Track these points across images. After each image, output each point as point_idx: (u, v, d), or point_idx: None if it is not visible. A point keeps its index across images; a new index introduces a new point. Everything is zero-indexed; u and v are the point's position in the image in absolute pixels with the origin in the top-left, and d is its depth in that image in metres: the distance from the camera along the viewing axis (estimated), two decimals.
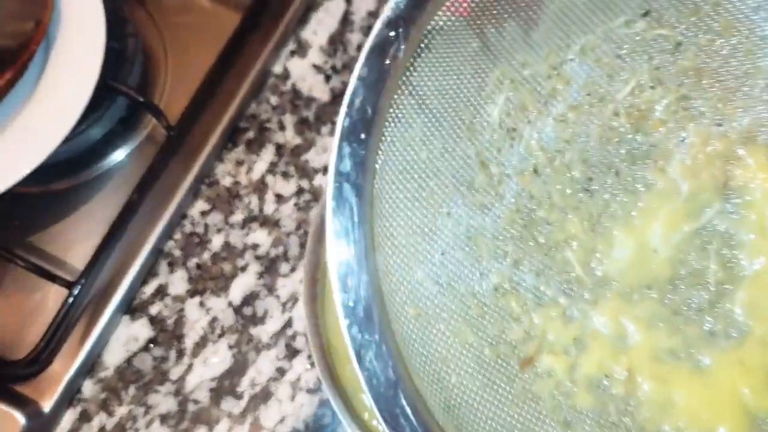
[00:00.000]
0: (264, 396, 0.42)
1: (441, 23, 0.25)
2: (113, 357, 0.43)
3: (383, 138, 0.24)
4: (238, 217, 0.45)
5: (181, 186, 0.45)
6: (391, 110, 0.24)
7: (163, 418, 0.42)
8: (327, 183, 0.23)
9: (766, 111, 0.28)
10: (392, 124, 0.25)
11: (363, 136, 0.24)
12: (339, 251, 0.23)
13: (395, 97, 0.24)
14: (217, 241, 0.45)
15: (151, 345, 0.43)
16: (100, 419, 0.42)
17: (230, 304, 0.43)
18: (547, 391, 0.26)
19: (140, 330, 0.43)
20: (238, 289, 0.44)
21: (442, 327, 0.26)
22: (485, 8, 0.26)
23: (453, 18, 0.25)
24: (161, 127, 0.44)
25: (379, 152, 0.24)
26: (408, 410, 0.23)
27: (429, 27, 0.24)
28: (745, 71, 0.28)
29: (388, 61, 0.24)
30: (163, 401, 0.42)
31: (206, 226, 0.45)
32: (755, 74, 0.28)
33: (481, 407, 0.25)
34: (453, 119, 0.26)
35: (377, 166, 0.24)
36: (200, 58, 0.47)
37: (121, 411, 0.42)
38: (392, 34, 0.23)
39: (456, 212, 0.26)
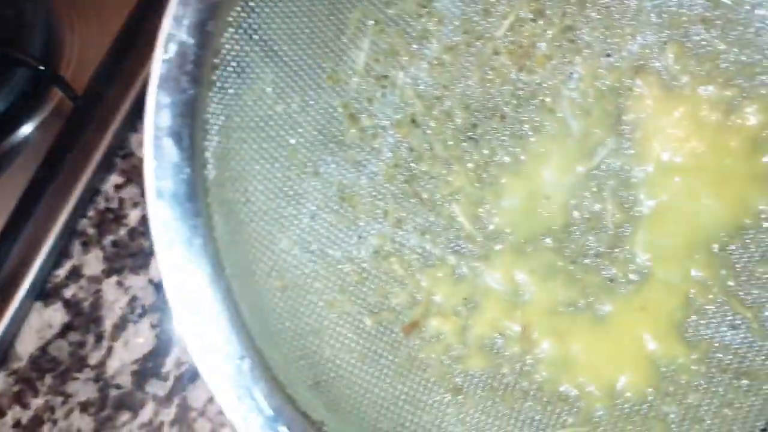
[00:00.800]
0: (191, 375, 0.39)
1: None
2: (26, 346, 0.40)
3: (224, 90, 0.22)
4: None
5: (92, 160, 0.42)
6: (230, 59, 0.22)
7: (84, 407, 0.39)
8: (144, 142, 0.21)
9: (655, 35, 0.25)
10: (234, 75, 0.22)
11: (185, 84, 0.21)
12: (166, 221, 0.21)
13: (233, 43, 0.22)
14: (134, 216, 0.42)
15: (67, 330, 0.40)
16: (13, 414, 0.39)
17: (151, 281, 0.41)
18: (435, 357, 0.24)
19: (54, 315, 0.40)
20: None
21: (314, 298, 0.24)
22: None
23: None
24: (66, 98, 0.41)
25: (220, 106, 0.22)
26: (256, 390, 0.20)
27: None
28: None
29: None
30: (83, 389, 0.39)
31: (121, 200, 0.42)
32: None
33: (360, 380, 0.23)
34: (311, 68, 0.24)
35: (219, 122, 0.22)
36: (110, 25, 0.44)
37: (37, 402, 0.39)
38: None
39: (325, 171, 0.24)
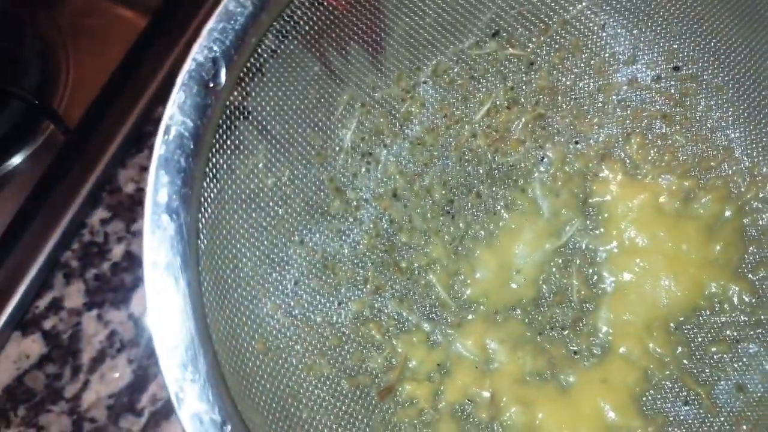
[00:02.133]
0: (166, 412, 0.40)
1: (273, 46, 0.24)
2: (2, 376, 0.40)
3: (219, 166, 0.23)
4: (140, 225, 0.43)
5: (80, 193, 0.43)
6: (226, 137, 0.23)
7: None
8: (144, 215, 0.23)
9: (620, 126, 0.27)
10: (229, 152, 0.23)
11: (183, 163, 0.22)
12: (157, 286, 0.23)
13: (228, 123, 0.23)
14: (117, 251, 0.42)
15: (44, 362, 0.40)
16: None
17: (131, 316, 0.41)
18: (407, 421, 0.25)
19: (32, 346, 0.41)
20: (139, 301, 0.41)
21: (294, 361, 0.24)
22: (322, 31, 0.24)
23: (286, 41, 0.23)
24: (59, 131, 0.42)
25: (213, 181, 0.23)
26: None
27: (258, 50, 0.23)
28: (597, 87, 0.28)
29: (210, 85, 0.22)
30: (56, 421, 0.39)
31: (106, 234, 0.43)
32: (608, 90, 0.28)
33: None
34: (301, 145, 0.25)
35: (213, 195, 0.23)
36: (104, 61, 0.45)
37: None
38: (209, 56, 0.22)
39: (310, 239, 0.25)
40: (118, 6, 0.48)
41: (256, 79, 0.24)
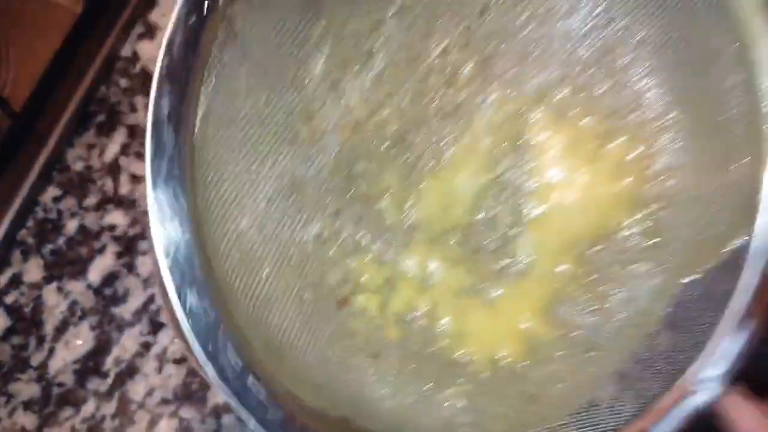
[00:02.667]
0: (130, 371, 0.42)
1: None
2: None
3: (207, 85, 0.25)
4: (92, 200, 0.45)
5: (30, 173, 0.44)
6: (215, 58, 0.25)
7: (27, 405, 0.42)
8: (147, 126, 0.24)
9: (558, 72, 0.30)
10: (215, 72, 0.25)
11: (183, 78, 0.24)
12: (158, 196, 0.25)
13: (218, 44, 0.25)
14: (71, 226, 0.45)
15: (9, 334, 0.43)
16: None
17: (89, 286, 0.44)
18: (360, 327, 0.29)
19: None
20: (97, 271, 0.44)
21: (266, 272, 0.27)
22: None
23: None
24: (5, 115, 0.44)
25: (202, 98, 0.25)
26: (229, 346, 0.24)
27: None
28: (542, 34, 0.30)
29: (207, 3, 0.24)
30: (26, 388, 0.42)
31: (59, 211, 0.45)
32: (548, 39, 0.30)
33: (300, 344, 0.27)
34: (278, 70, 0.27)
35: (200, 112, 0.25)
36: (44, 46, 0.46)
37: None
38: None
39: (281, 162, 0.28)
40: None
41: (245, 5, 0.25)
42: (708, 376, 0.23)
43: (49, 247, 0.44)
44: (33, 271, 0.44)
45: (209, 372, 0.24)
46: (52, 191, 0.45)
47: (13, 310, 0.43)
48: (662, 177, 0.29)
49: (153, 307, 0.43)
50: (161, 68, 0.24)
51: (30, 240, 0.44)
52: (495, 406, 0.28)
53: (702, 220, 0.27)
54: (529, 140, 0.30)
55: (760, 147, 0.24)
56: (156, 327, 0.43)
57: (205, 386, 0.42)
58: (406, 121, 0.30)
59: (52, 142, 0.45)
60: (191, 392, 0.42)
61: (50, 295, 0.43)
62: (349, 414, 0.26)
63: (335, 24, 0.28)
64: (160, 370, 0.43)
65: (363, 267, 0.29)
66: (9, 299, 0.43)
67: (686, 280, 0.27)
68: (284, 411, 0.24)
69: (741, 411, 0.24)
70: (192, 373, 0.43)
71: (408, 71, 0.30)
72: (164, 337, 0.43)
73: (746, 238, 0.24)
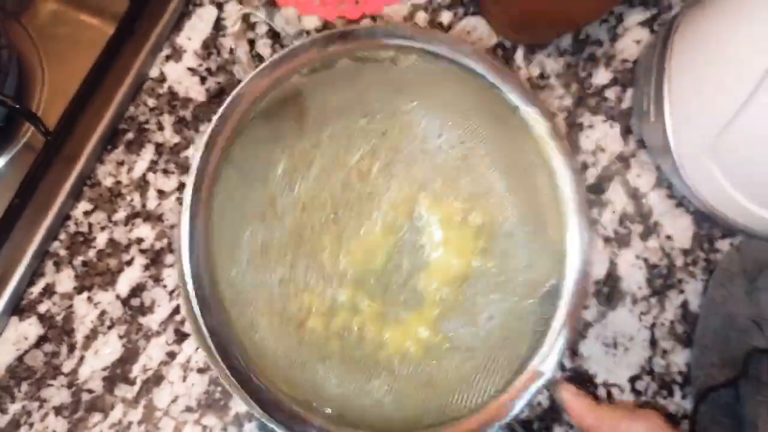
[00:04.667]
0: (156, 379, 0.44)
1: (246, 122, 0.39)
2: (4, 357, 0.44)
3: (216, 185, 0.38)
4: (121, 214, 0.47)
5: (63, 189, 0.46)
6: (220, 171, 0.38)
7: (58, 410, 0.44)
8: (181, 214, 0.35)
9: (431, 171, 0.45)
10: (221, 180, 0.38)
11: (203, 186, 0.37)
12: (191, 255, 0.36)
13: (223, 163, 0.38)
14: (101, 239, 0.47)
15: (42, 342, 0.45)
16: None
17: (118, 297, 0.46)
18: (313, 340, 0.41)
19: (29, 329, 0.45)
20: (125, 282, 0.46)
21: (251, 306, 0.39)
22: (270, 113, 0.40)
23: (253, 118, 0.39)
24: (39, 133, 0.46)
25: (214, 194, 0.37)
26: (237, 351, 0.36)
27: (241, 125, 0.38)
28: (419, 149, 0.45)
29: (217, 145, 0.38)
30: (57, 394, 0.44)
31: (90, 225, 0.47)
32: (425, 151, 0.45)
33: (277, 352, 0.40)
34: (255, 174, 0.40)
35: (215, 204, 0.37)
36: (76, 66, 0.49)
37: (14, 408, 0.43)
38: (217, 129, 0.38)
39: (255, 231, 0.40)
40: (84, 14, 0.52)
41: (236, 140, 0.38)
42: (547, 364, 0.40)
43: (80, 258, 0.46)
44: (65, 281, 0.46)
45: (223, 369, 0.35)
46: (83, 206, 0.47)
47: (45, 319, 0.45)
48: (505, 237, 0.44)
49: (178, 317, 0.45)
50: (194, 181, 0.36)
51: (62, 252, 0.46)
52: (406, 389, 0.41)
53: (532, 264, 0.43)
54: (418, 214, 0.45)
55: (564, 219, 0.42)
56: (181, 337, 0.45)
57: (227, 395, 0.44)
58: (336, 203, 0.44)
59: (83, 159, 0.47)
60: (214, 401, 0.44)
61: (81, 304, 0.45)
62: (311, 397, 0.38)
63: (289, 146, 0.42)
64: (184, 378, 0.44)
65: (312, 300, 0.42)
66: (42, 308, 0.45)
67: (526, 302, 0.42)
68: (269, 393, 0.36)
69: (573, 399, 0.40)
70: (215, 381, 0.44)
71: (337, 171, 0.44)
72: (188, 347, 0.45)
73: (559, 277, 0.42)
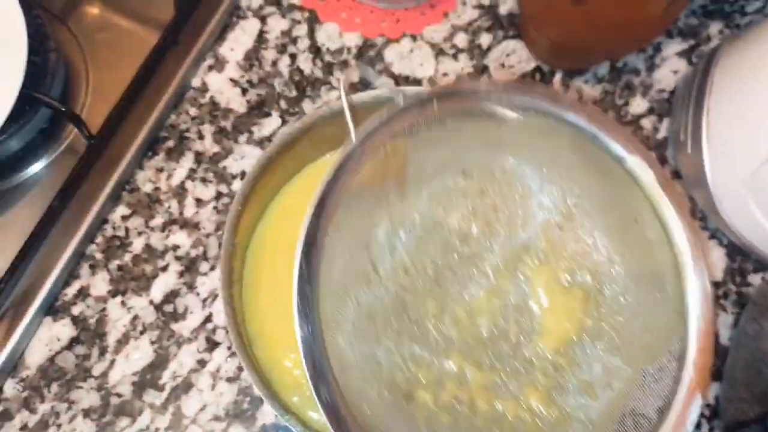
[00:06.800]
0: (185, 387, 0.44)
1: (352, 192, 0.36)
2: (36, 357, 0.44)
3: (318, 253, 0.35)
4: (158, 220, 0.48)
5: (102, 192, 0.47)
6: (325, 236, 0.35)
7: (86, 413, 0.44)
8: (293, 286, 0.33)
9: (535, 231, 0.41)
10: (326, 245, 0.35)
11: (311, 256, 0.34)
12: (302, 325, 0.33)
13: (328, 228, 0.35)
14: (138, 244, 0.47)
15: (74, 344, 0.45)
16: (21, 417, 0.43)
17: (151, 302, 0.46)
18: (422, 414, 0.37)
19: (62, 330, 0.45)
20: (159, 288, 0.46)
21: (356, 373, 0.36)
22: (372, 175, 0.37)
23: (358, 188, 0.36)
24: (82, 137, 0.47)
25: (320, 261, 0.35)
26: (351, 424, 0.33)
27: (345, 195, 0.36)
28: (524, 207, 0.42)
29: (323, 217, 0.35)
30: (86, 396, 0.44)
31: (127, 229, 0.47)
32: (526, 208, 0.42)
33: (387, 425, 0.35)
34: (357, 237, 0.38)
35: (320, 270, 0.35)
36: (120, 73, 0.50)
37: (43, 408, 0.44)
38: (325, 193, 0.35)
39: (359, 297, 0.38)
40: (130, 20, 0.53)
41: (339, 210, 0.36)
42: None
43: (116, 262, 0.47)
44: (99, 284, 0.46)
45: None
46: (121, 210, 0.48)
47: (78, 321, 0.45)
48: (617, 296, 0.40)
49: (210, 326, 0.46)
50: (302, 248, 0.34)
51: (98, 255, 0.47)
52: None
53: (649, 325, 0.39)
54: (523, 276, 0.41)
55: (681, 273, 0.38)
56: (212, 345, 0.45)
57: (255, 405, 0.44)
58: (438, 266, 0.40)
59: (123, 164, 0.48)
60: (242, 411, 0.44)
61: (114, 308, 0.46)
62: None
63: (389, 207, 0.39)
64: (213, 387, 0.44)
65: (418, 369, 0.38)
66: (76, 310, 0.46)
67: (647, 368, 0.38)
68: None
69: None
70: (243, 391, 0.45)
71: (437, 233, 0.41)
72: (219, 356, 0.45)
73: (682, 338, 0.37)
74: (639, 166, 0.39)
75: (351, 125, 0.37)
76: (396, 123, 0.37)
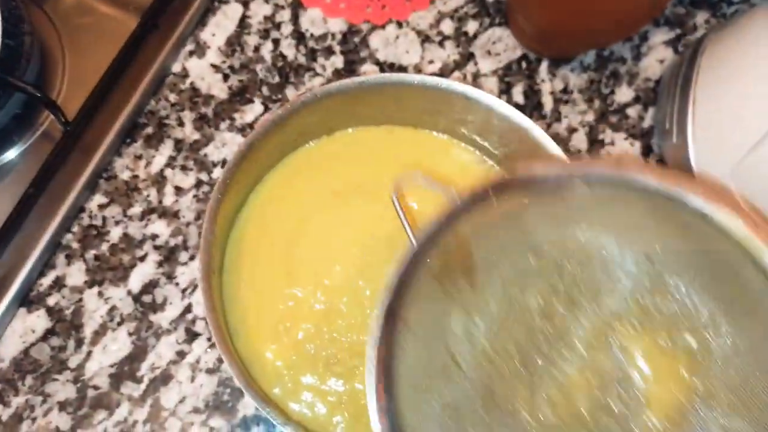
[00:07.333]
0: (164, 378, 0.43)
1: (420, 292, 0.34)
2: (9, 349, 0.43)
3: (396, 360, 0.34)
4: (136, 209, 0.46)
5: (79, 180, 0.46)
6: (399, 339, 0.34)
7: (62, 406, 0.43)
8: (369, 401, 0.31)
9: (618, 296, 0.38)
10: (400, 345, 0.34)
11: (387, 362, 0.33)
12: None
13: (399, 328, 0.34)
14: (115, 233, 0.46)
15: (49, 335, 0.44)
16: None
17: (129, 293, 0.45)
18: None
19: (37, 321, 0.44)
20: (137, 279, 0.45)
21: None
22: (444, 272, 0.36)
23: (426, 279, 0.34)
24: (58, 123, 0.45)
25: (396, 366, 0.33)
26: None
27: (414, 289, 0.34)
28: (607, 273, 0.38)
29: (395, 314, 0.33)
30: (62, 389, 0.43)
31: (104, 218, 0.46)
32: (615, 275, 0.38)
33: None
34: (430, 334, 0.36)
35: (398, 370, 0.33)
36: (98, 58, 0.48)
37: (17, 401, 0.43)
38: (393, 301, 0.33)
39: (441, 393, 0.36)
40: (108, 4, 0.51)
41: (413, 302, 0.34)
42: None
43: (93, 252, 0.45)
44: (76, 275, 0.45)
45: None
46: (98, 198, 0.46)
47: (54, 312, 0.44)
48: (725, 355, 0.36)
49: (189, 316, 0.45)
50: (375, 356, 0.32)
51: (74, 245, 0.46)
52: None
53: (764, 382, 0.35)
54: (619, 346, 0.38)
55: None
56: (192, 336, 0.44)
57: (235, 397, 0.43)
58: (524, 350, 0.38)
59: (101, 151, 0.47)
60: (222, 402, 0.43)
61: (91, 299, 0.45)
62: None
63: (460, 298, 0.37)
64: (193, 378, 0.44)
65: None
66: (51, 301, 0.44)
67: None
68: None
69: None
70: (223, 383, 0.44)
71: (518, 316, 0.38)
72: (198, 347, 0.44)
73: None
74: (725, 218, 0.34)
75: (409, 231, 0.37)
76: (455, 221, 0.35)
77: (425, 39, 0.51)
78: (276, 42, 0.50)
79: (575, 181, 0.36)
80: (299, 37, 0.51)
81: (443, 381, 0.36)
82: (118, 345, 0.44)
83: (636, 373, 0.38)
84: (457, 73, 0.50)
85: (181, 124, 0.48)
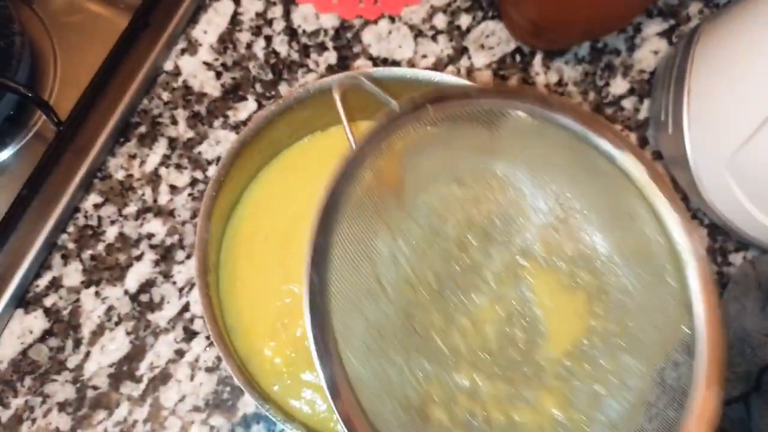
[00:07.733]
0: (163, 377, 0.43)
1: (353, 202, 0.35)
2: (7, 350, 0.43)
3: (329, 272, 0.34)
4: (132, 208, 0.46)
5: (73, 180, 0.46)
6: (331, 252, 0.34)
7: (62, 406, 0.43)
8: (304, 301, 0.32)
9: (532, 233, 0.41)
10: (332, 265, 0.34)
11: (323, 271, 0.33)
12: (317, 346, 0.32)
13: (332, 250, 0.34)
14: (111, 233, 0.46)
15: (47, 336, 0.44)
16: None
17: (126, 292, 0.45)
18: (436, 428, 0.36)
19: (35, 322, 0.44)
20: (134, 278, 0.45)
21: (370, 392, 0.35)
22: (375, 187, 0.36)
23: (360, 193, 0.35)
24: (51, 123, 0.45)
25: (328, 278, 0.34)
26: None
27: (347, 205, 0.35)
28: (520, 211, 0.41)
29: (329, 228, 0.34)
30: (61, 389, 0.43)
31: (100, 218, 0.46)
32: (527, 213, 0.41)
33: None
34: (361, 255, 0.36)
35: (329, 288, 0.34)
36: (90, 57, 0.48)
37: (16, 402, 0.43)
38: (328, 206, 0.34)
39: (366, 313, 0.37)
40: (99, 3, 0.51)
41: (344, 220, 0.35)
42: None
43: (89, 252, 0.45)
44: (72, 275, 0.45)
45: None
46: (93, 198, 0.46)
47: (51, 313, 0.44)
48: (620, 294, 0.40)
49: (187, 315, 0.45)
50: (310, 262, 0.33)
51: (70, 245, 0.45)
52: None
53: (656, 320, 0.38)
54: (525, 281, 0.41)
55: (681, 266, 0.37)
56: (190, 335, 0.44)
57: (235, 395, 0.43)
58: (440, 277, 0.39)
59: (94, 151, 0.46)
60: (222, 401, 0.43)
61: (88, 299, 0.45)
62: None
63: (387, 217, 0.38)
64: (192, 377, 0.44)
65: (429, 385, 0.37)
66: (48, 302, 0.44)
67: (660, 363, 0.37)
68: None
69: None
70: (223, 381, 0.44)
71: (436, 242, 0.40)
72: (197, 345, 0.44)
73: (689, 330, 0.36)
74: (631, 163, 0.38)
75: (350, 134, 0.37)
76: (393, 129, 0.36)
77: (418, 33, 0.51)
78: (268, 39, 0.50)
79: (506, 110, 0.38)
80: (291, 33, 0.50)
81: (369, 302, 0.37)
82: (116, 345, 0.44)
83: (539, 308, 0.41)
84: (451, 68, 0.50)
85: (174, 122, 0.48)
